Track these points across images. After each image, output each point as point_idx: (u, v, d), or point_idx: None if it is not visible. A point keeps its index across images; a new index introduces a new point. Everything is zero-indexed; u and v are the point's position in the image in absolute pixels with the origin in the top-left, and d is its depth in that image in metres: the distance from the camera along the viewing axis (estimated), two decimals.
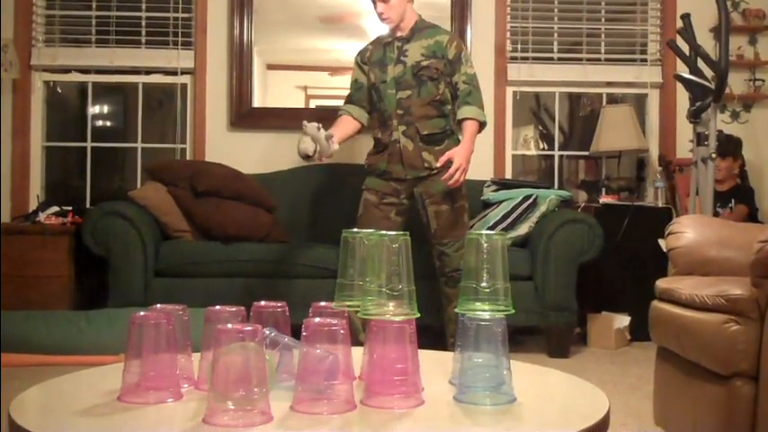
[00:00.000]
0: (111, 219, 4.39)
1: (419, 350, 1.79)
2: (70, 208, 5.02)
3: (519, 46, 5.63)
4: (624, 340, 4.82)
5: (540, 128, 6.41)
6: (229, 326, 1.63)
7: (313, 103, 5.68)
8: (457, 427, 1.67)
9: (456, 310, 1.84)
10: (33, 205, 5.21)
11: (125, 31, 5.45)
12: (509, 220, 4.70)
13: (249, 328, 1.60)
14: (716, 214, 4.76)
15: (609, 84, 5.83)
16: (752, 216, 5.10)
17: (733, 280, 2.47)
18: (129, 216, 4.40)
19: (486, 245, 1.85)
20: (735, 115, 5.66)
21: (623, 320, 4.81)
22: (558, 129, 6.01)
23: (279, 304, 2.04)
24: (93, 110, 5.87)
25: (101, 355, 3.87)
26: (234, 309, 1.94)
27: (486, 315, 1.78)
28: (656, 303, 2.86)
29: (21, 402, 1.71)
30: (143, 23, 5.45)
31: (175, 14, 5.44)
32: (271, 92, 5.62)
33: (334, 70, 5.51)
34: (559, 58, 5.73)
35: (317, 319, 1.72)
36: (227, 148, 5.38)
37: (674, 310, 2.67)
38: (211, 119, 5.43)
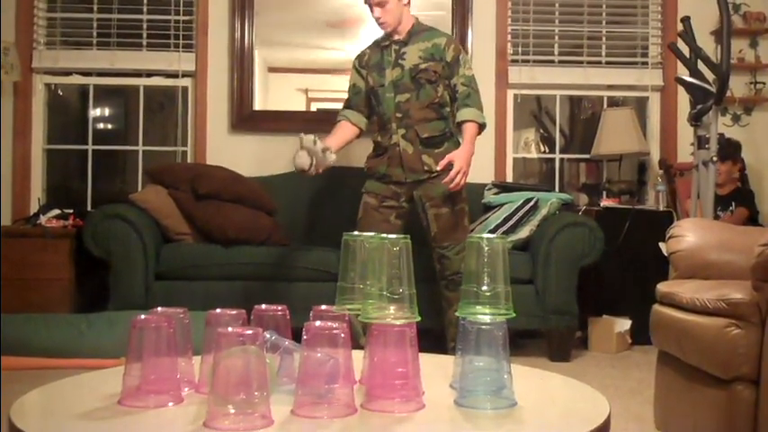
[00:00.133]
0: (112, 222, 4.39)
1: (420, 354, 1.78)
2: (71, 211, 5.03)
3: (520, 49, 5.63)
4: (625, 344, 4.82)
5: (541, 131, 6.41)
6: (230, 329, 1.63)
7: (314, 106, 5.68)
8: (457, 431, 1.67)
9: (457, 314, 1.84)
10: (34, 208, 5.21)
11: (126, 33, 5.45)
12: (510, 223, 4.70)
13: (250, 332, 1.60)
14: (716, 218, 4.76)
15: (610, 87, 5.83)
16: (752, 219, 5.10)
17: (734, 284, 2.47)
18: (130, 219, 4.40)
19: (486, 248, 1.84)
20: (736, 118, 5.66)
21: (624, 324, 4.81)
22: (559, 132, 6.01)
23: (279, 307, 2.04)
24: (95, 112, 5.88)
25: (101, 359, 3.87)
26: (234, 312, 1.94)
27: (487, 319, 1.78)
28: (656, 307, 2.86)
29: (21, 406, 1.71)
30: (144, 26, 5.45)
31: (176, 17, 5.44)
32: (272, 95, 5.62)
33: (335, 72, 5.50)
34: (560, 61, 5.73)
35: (317, 323, 1.72)
36: (228, 150, 5.38)
37: (674, 314, 2.67)
38: (212, 122, 5.43)
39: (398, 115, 3.99)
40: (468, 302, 1.84)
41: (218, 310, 1.94)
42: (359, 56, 4.18)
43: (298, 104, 5.64)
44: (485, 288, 1.83)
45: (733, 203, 5.10)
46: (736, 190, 5.19)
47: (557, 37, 5.73)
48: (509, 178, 5.58)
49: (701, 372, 2.49)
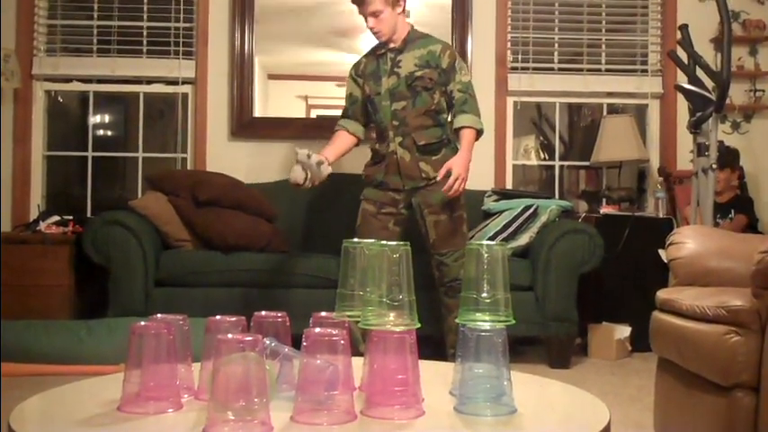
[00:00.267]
0: (112, 228, 4.39)
1: (419, 360, 1.78)
2: (71, 217, 5.03)
3: (520, 56, 5.64)
4: (625, 351, 4.82)
5: (541, 138, 6.42)
6: (230, 336, 1.63)
7: (314, 113, 5.69)
8: None
9: (456, 321, 1.84)
10: (34, 214, 5.22)
11: (126, 40, 5.46)
12: (510, 230, 4.70)
13: (250, 339, 1.60)
14: (716, 225, 4.76)
15: (609, 94, 5.84)
16: (752, 226, 5.10)
17: (733, 291, 2.47)
18: (130, 225, 4.40)
19: (486, 255, 1.85)
20: (735, 126, 5.67)
21: (624, 331, 4.81)
22: (559, 139, 6.02)
23: (279, 314, 2.04)
24: (95, 119, 5.88)
25: (101, 365, 3.87)
26: (234, 319, 1.94)
27: (487, 326, 1.78)
28: (656, 314, 2.86)
29: (21, 412, 1.71)
30: (144, 33, 5.46)
31: (177, 24, 5.45)
32: (272, 102, 5.63)
33: (335, 79, 5.50)
34: (560, 69, 5.74)
35: (317, 330, 1.72)
36: (228, 157, 5.38)
37: (674, 321, 2.66)
38: (212, 128, 5.44)
39: (395, 123, 3.99)
40: (468, 309, 1.84)
41: (217, 317, 1.94)
42: (355, 65, 4.19)
43: (297, 111, 5.64)
44: (484, 295, 1.83)
45: (732, 211, 5.11)
46: (735, 197, 5.19)
47: (556, 44, 5.74)
48: (509, 185, 5.58)
49: (700, 379, 2.49)
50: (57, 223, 4.95)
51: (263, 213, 4.81)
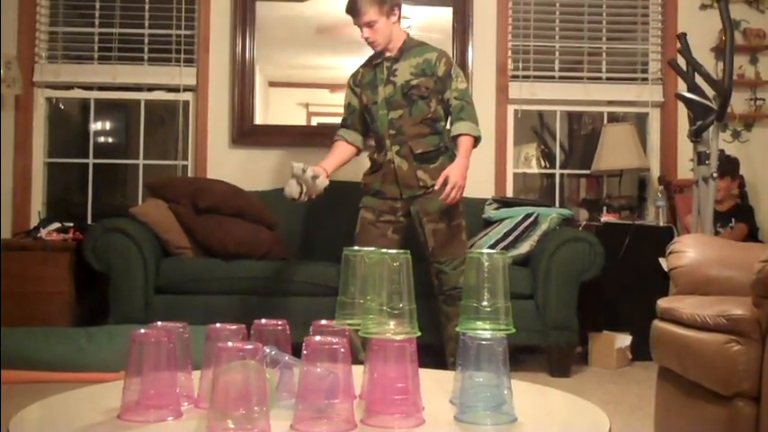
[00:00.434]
0: (113, 235, 4.39)
1: (420, 369, 1.78)
2: (71, 224, 5.03)
3: (520, 64, 5.64)
4: (625, 360, 4.81)
5: (542, 146, 6.42)
6: (230, 344, 1.63)
7: (314, 121, 5.69)
8: None
9: (457, 329, 1.84)
10: (35, 221, 5.22)
11: (128, 47, 5.47)
12: (510, 238, 4.70)
13: (250, 347, 1.60)
14: (716, 234, 4.75)
15: (610, 102, 5.84)
16: (752, 235, 5.10)
17: (734, 300, 2.47)
18: (131, 233, 4.40)
19: (486, 263, 1.85)
20: (736, 134, 5.67)
21: (624, 340, 4.80)
22: (560, 147, 6.02)
23: (279, 322, 2.04)
24: (96, 126, 5.89)
25: (101, 373, 3.86)
26: (234, 327, 1.94)
27: (487, 334, 1.78)
28: (657, 323, 2.85)
29: (21, 420, 1.71)
30: (146, 40, 5.47)
31: (178, 32, 5.46)
32: (272, 109, 5.63)
33: (333, 87, 5.51)
34: (560, 77, 5.74)
35: (317, 338, 1.72)
36: (229, 165, 5.39)
37: (675, 330, 2.66)
38: (213, 136, 5.44)
39: (392, 132, 3.99)
40: (469, 318, 1.84)
41: (217, 325, 1.94)
42: (353, 74, 4.19)
43: (298, 119, 5.65)
44: (485, 303, 1.83)
45: (733, 219, 5.11)
46: (735, 206, 5.19)
47: (557, 53, 5.75)
48: (509, 193, 5.58)
49: (701, 388, 2.49)
50: (57, 230, 4.96)
51: (264, 221, 4.81)
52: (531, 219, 4.73)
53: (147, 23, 5.47)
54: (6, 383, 3.77)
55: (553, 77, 5.73)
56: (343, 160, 4.14)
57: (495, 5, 5.56)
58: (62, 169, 5.82)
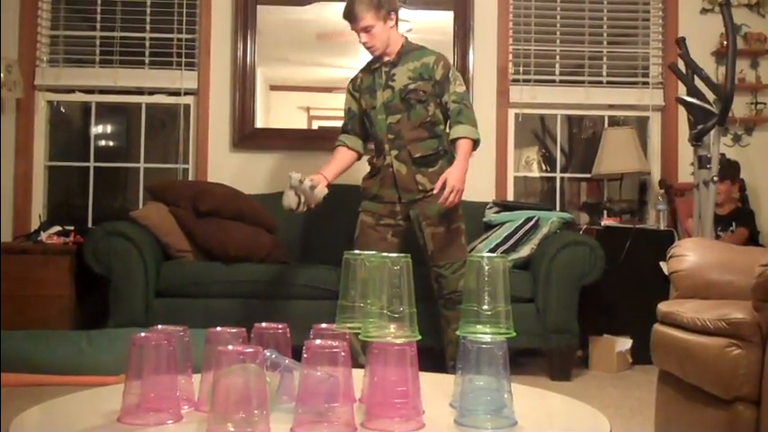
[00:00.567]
0: (113, 239, 4.39)
1: (420, 372, 1.78)
2: (72, 227, 5.03)
3: (521, 68, 5.65)
4: (626, 363, 4.81)
5: (543, 150, 6.42)
6: (230, 347, 1.63)
7: (315, 124, 5.69)
8: None
9: (457, 333, 1.84)
10: (35, 224, 5.22)
11: (129, 51, 5.48)
12: (511, 241, 4.69)
13: (250, 350, 1.60)
14: (717, 237, 4.75)
15: (611, 106, 5.84)
16: (753, 239, 5.10)
17: (734, 304, 2.47)
18: (131, 236, 4.40)
19: (487, 267, 1.85)
20: (736, 138, 5.67)
21: (625, 343, 4.80)
22: (560, 151, 6.02)
23: (280, 326, 2.04)
24: (96, 130, 5.89)
25: (101, 376, 3.86)
26: (235, 330, 1.94)
27: (488, 338, 1.78)
28: (657, 327, 2.85)
29: (21, 423, 1.71)
30: (147, 44, 5.48)
31: (179, 35, 5.46)
32: (273, 113, 5.64)
33: (337, 90, 5.51)
34: (561, 81, 5.74)
35: (317, 341, 1.72)
36: (230, 168, 5.39)
37: (675, 334, 2.66)
38: (214, 139, 5.44)
39: (390, 136, 3.99)
40: (469, 321, 1.84)
41: (218, 328, 1.94)
42: (352, 80, 4.19)
43: (299, 122, 5.65)
44: (485, 307, 1.83)
45: (733, 223, 5.10)
46: (736, 210, 5.19)
47: (558, 57, 5.75)
48: (510, 197, 5.58)
49: (701, 391, 2.49)
50: (58, 233, 4.96)
51: (264, 224, 4.81)
52: (532, 222, 4.73)
53: (148, 27, 5.47)
54: (7, 386, 3.77)
55: (554, 81, 5.73)
56: (344, 167, 4.14)
57: (495, 9, 5.57)
58: (63, 172, 5.82)
